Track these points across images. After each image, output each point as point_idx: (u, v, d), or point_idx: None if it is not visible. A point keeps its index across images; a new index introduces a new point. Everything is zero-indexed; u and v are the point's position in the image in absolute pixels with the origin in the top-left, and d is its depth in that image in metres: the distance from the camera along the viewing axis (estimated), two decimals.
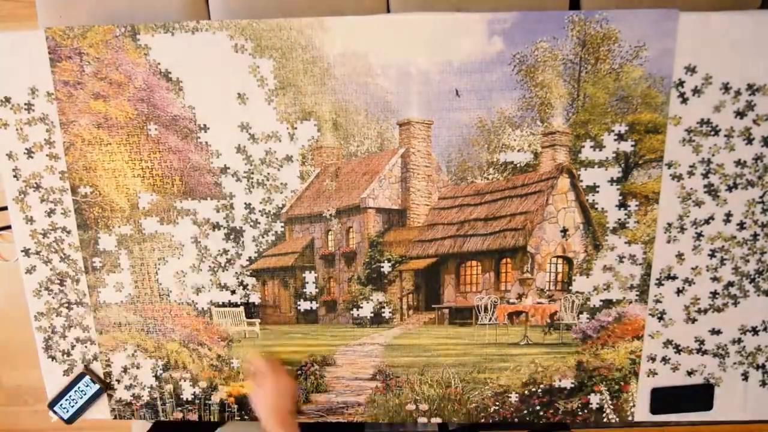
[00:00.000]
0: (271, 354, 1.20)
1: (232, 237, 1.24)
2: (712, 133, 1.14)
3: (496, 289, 1.25)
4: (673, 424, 1.38)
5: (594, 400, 1.29)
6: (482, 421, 1.32)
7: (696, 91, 1.12)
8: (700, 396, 1.28)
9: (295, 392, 1.21)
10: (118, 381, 1.34)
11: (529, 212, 1.20)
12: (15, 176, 1.23)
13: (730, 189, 1.17)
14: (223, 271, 1.27)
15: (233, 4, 1.32)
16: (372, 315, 1.28)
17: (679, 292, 1.23)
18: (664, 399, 1.28)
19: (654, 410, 1.29)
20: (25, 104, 1.19)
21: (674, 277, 1.22)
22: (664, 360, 1.27)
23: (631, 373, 1.27)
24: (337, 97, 1.16)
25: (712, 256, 1.20)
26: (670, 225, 1.19)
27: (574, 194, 1.19)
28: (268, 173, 1.21)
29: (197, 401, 1.35)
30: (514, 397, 1.30)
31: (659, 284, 1.23)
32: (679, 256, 1.21)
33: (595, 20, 1.10)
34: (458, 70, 1.13)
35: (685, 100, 1.13)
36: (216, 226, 1.24)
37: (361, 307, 1.28)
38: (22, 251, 1.27)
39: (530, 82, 1.13)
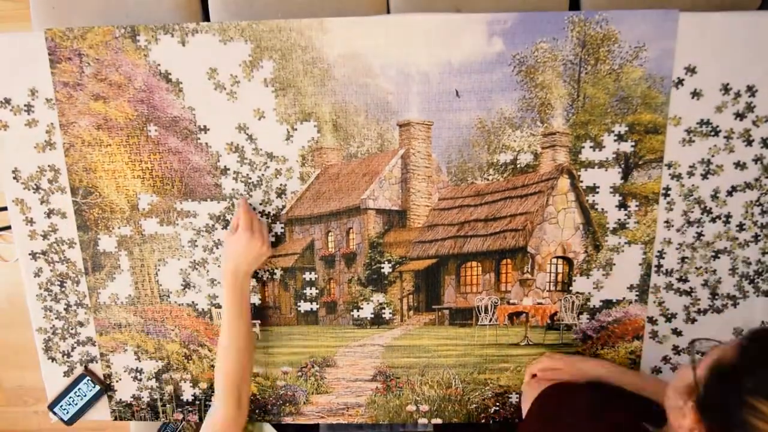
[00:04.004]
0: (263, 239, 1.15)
1: None
2: (712, 133, 1.14)
3: (497, 289, 1.25)
4: None
5: None
6: (483, 421, 1.32)
7: (696, 92, 1.12)
8: None
9: (263, 258, 1.17)
10: (119, 382, 1.34)
11: (530, 213, 1.20)
12: (15, 177, 1.23)
13: (729, 190, 1.17)
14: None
15: (233, 6, 1.32)
16: (372, 316, 1.28)
17: (679, 292, 1.23)
18: None
19: None
20: (25, 105, 1.19)
21: (674, 277, 1.22)
22: (665, 360, 1.27)
23: None
24: (337, 98, 1.16)
25: (711, 256, 1.21)
26: (670, 225, 1.19)
27: (574, 195, 1.19)
28: (268, 174, 1.21)
29: (197, 402, 1.35)
30: (514, 398, 1.30)
31: (659, 284, 1.23)
32: (679, 256, 1.21)
33: (595, 21, 1.10)
34: (458, 71, 1.13)
35: (684, 101, 1.13)
36: (226, 227, 1.24)
37: (362, 308, 1.28)
38: (29, 255, 1.27)
39: (530, 82, 1.13)
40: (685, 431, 0.79)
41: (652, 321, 1.25)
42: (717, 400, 0.77)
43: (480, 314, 1.27)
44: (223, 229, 1.24)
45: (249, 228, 1.13)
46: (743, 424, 0.72)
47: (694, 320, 1.25)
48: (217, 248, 1.25)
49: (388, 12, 1.34)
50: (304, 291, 1.28)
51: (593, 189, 1.18)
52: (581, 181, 1.18)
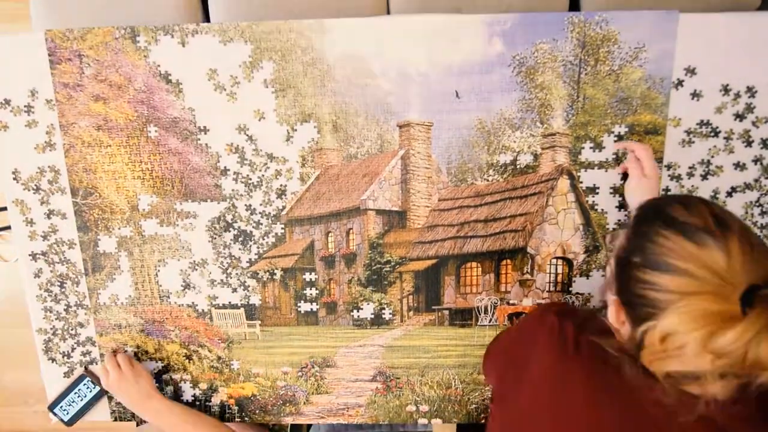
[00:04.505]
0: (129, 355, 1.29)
1: (240, 240, 1.24)
2: (712, 134, 1.14)
3: (496, 290, 1.25)
4: None
5: None
6: (483, 422, 1.32)
7: (695, 93, 1.12)
8: None
9: (149, 376, 1.27)
10: None
11: (529, 213, 1.20)
12: (15, 178, 1.23)
13: (729, 191, 1.17)
14: (224, 273, 1.27)
15: (233, 7, 1.32)
16: (372, 316, 1.28)
17: None
18: None
19: None
20: (25, 106, 1.19)
21: None
22: None
23: None
24: (336, 98, 1.16)
25: None
26: None
27: (574, 195, 1.19)
28: (268, 175, 1.21)
29: (197, 403, 1.35)
30: None
31: None
32: None
33: (595, 22, 1.10)
34: (458, 72, 1.13)
35: (684, 102, 1.13)
36: (226, 227, 1.24)
37: (362, 309, 1.28)
38: (29, 255, 1.27)
39: (530, 83, 1.13)
40: (619, 324, 0.81)
41: None
42: (623, 286, 0.78)
43: (480, 315, 1.27)
44: (224, 231, 1.24)
45: (117, 371, 1.24)
46: (645, 301, 0.73)
47: None
48: (219, 248, 1.25)
49: (388, 12, 1.34)
50: (304, 291, 1.28)
51: (593, 190, 1.18)
52: (581, 182, 1.18)
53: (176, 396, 1.35)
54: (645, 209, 0.82)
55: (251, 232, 1.24)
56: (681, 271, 0.70)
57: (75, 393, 1.33)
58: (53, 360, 1.34)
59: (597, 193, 1.19)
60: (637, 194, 1.07)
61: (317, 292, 1.28)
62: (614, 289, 0.81)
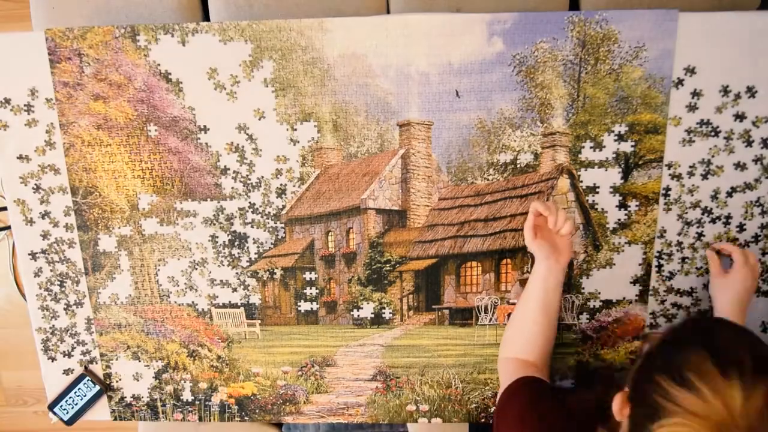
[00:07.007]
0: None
1: (236, 244, 1.24)
2: (712, 134, 1.14)
3: (497, 289, 1.25)
4: None
5: None
6: (482, 421, 1.32)
7: (696, 92, 1.12)
8: None
9: None
10: (118, 382, 1.34)
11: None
12: (15, 178, 1.23)
13: (729, 191, 1.17)
14: (224, 272, 1.27)
15: (233, 6, 1.32)
16: (372, 316, 1.28)
17: (679, 292, 1.23)
18: None
19: None
20: (25, 105, 1.19)
21: (674, 278, 1.22)
22: None
23: None
24: (337, 98, 1.16)
25: None
26: (670, 225, 1.19)
27: (574, 195, 1.19)
28: (268, 174, 1.21)
29: (197, 402, 1.35)
30: None
31: (659, 284, 1.23)
32: (679, 256, 1.21)
33: (595, 21, 1.10)
34: (458, 71, 1.13)
35: (684, 101, 1.13)
36: (226, 227, 1.24)
37: (362, 308, 1.28)
38: (29, 254, 1.27)
39: (530, 82, 1.13)
40: (618, 414, 0.83)
41: (652, 321, 1.25)
42: (638, 383, 0.80)
43: (480, 314, 1.27)
44: (224, 230, 1.24)
45: None
46: (651, 403, 0.74)
47: None
48: (220, 248, 1.25)
49: (388, 12, 1.34)
50: (304, 291, 1.28)
51: (593, 189, 1.18)
52: (581, 181, 1.18)
53: (176, 395, 1.35)
54: (693, 325, 0.84)
55: (251, 231, 1.24)
56: (696, 390, 0.70)
57: (75, 392, 1.33)
58: (53, 359, 1.34)
59: (597, 193, 1.19)
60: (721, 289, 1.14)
61: (317, 291, 1.28)
62: (630, 380, 0.82)
